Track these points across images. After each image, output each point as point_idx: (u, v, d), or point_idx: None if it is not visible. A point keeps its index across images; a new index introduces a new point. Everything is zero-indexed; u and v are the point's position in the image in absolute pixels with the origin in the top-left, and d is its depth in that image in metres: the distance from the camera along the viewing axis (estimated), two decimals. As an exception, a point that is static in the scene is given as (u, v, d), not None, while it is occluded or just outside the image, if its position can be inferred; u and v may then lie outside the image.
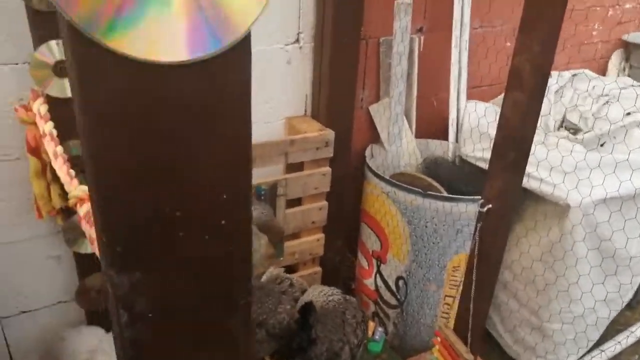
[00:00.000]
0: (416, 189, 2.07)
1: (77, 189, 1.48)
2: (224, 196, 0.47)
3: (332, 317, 2.02)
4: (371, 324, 2.45)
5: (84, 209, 1.48)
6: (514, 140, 1.45)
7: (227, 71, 0.41)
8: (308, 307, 1.92)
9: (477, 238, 1.60)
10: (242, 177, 0.47)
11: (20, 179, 1.86)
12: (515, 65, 1.36)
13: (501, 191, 1.52)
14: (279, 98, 2.26)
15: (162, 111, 0.41)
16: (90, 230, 1.44)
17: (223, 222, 0.48)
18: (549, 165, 1.99)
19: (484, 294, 1.69)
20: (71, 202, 1.50)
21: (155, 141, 0.42)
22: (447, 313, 2.39)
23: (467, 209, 2.03)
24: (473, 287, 1.67)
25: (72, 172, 1.54)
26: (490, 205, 1.55)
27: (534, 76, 1.32)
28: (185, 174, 0.44)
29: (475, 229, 1.61)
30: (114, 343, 0.55)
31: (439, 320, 2.41)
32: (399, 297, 2.39)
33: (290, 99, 2.29)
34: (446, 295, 2.34)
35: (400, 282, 2.36)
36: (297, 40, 2.19)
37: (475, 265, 1.64)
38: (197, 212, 0.46)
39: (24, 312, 2.11)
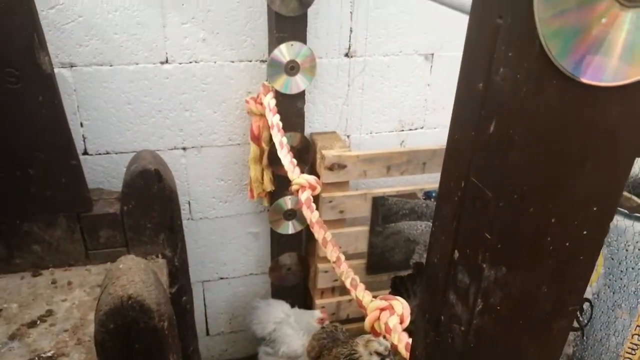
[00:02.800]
0: (623, 210, 1.94)
1: (300, 177, 1.64)
2: (594, 208, 0.50)
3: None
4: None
5: (305, 195, 1.63)
6: None
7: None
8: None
9: None
10: (614, 192, 0.50)
11: (239, 162, 2.09)
12: None
13: None
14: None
15: (574, 130, 0.45)
16: (310, 214, 1.58)
17: (585, 232, 0.52)
18: None
19: None
20: (294, 188, 1.66)
21: (559, 155, 0.46)
22: (636, 345, 2.20)
23: (683, 238, 1.85)
24: (693, 324, 1.52)
25: (294, 161, 1.70)
26: None
27: None
28: (570, 187, 0.48)
29: None
30: (444, 326, 0.61)
31: (624, 351, 2.24)
32: (581, 320, 2.26)
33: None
34: (638, 326, 2.16)
35: (585, 305, 2.23)
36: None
37: (699, 300, 1.49)
38: (568, 220, 0.51)
39: (222, 278, 2.37)
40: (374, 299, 1.31)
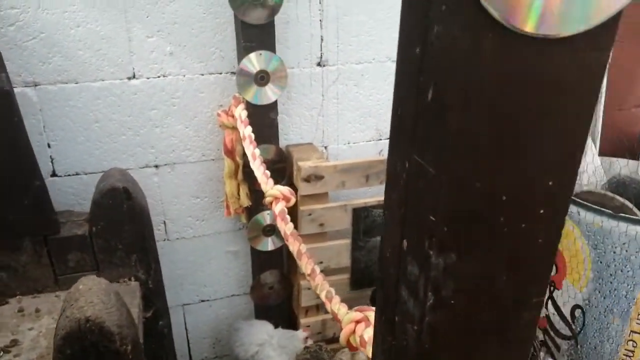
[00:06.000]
0: (607, 211, 1.89)
1: (273, 189, 1.58)
2: (550, 183, 0.45)
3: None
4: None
5: (279, 207, 1.57)
6: None
7: (590, 49, 0.39)
8: None
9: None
10: (571, 163, 0.45)
11: (214, 178, 2.03)
12: None
13: None
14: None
15: (519, 89, 0.40)
16: (285, 226, 1.52)
17: (542, 211, 0.46)
18: None
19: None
20: (267, 200, 1.60)
21: (504, 119, 0.41)
22: (631, 352, 2.13)
23: (671, 236, 1.80)
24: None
25: (268, 172, 1.65)
26: None
27: None
28: (521, 156, 0.43)
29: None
30: (399, 328, 0.55)
31: (619, 358, 2.17)
32: (574, 327, 2.19)
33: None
34: (632, 331, 2.10)
35: (577, 312, 2.17)
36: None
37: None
38: (521, 197, 0.45)
39: (203, 300, 2.29)
40: (350, 311, 1.25)
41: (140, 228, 1.69)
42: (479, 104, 0.40)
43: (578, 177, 2.21)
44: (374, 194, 2.16)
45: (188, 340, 2.35)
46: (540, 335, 2.36)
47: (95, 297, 1.12)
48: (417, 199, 0.47)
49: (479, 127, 0.41)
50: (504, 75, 0.40)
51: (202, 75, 1.87)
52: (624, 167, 2.33)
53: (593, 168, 2.23)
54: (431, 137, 0.43)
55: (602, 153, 2.40)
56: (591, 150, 2.21)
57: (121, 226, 1.66)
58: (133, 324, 1.19)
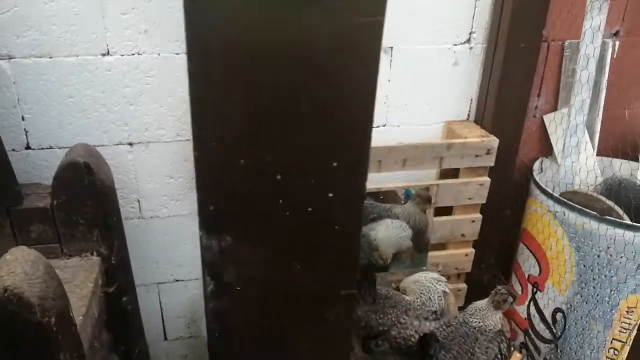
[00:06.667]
0: (591, 212, 1.80)
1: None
2: (334, 164, 0.40)
3: (459, 343, 1.84)
4: (518, 356, 2.20)
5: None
6: None
7: (357, 14, 0.34)
8: (428, 339, 1.78)
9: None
10: (359, 143, 0.40)
11: (189, 159, 2.02)
12: None
13: None
14: (440, 100, 2.14)
15: (280, 49, 0.36)
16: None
17: (330, 195, 0.42)
18: None
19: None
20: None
21: (267, 87, 0.37)
22: (612, 359, 2.04)
23: (654, 242, 1.70)
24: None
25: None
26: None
27: None
28: (290, 131, 0.39)
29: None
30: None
31: (602, 367, 2.08)
32: (554, 331, 2.11)
33: (452, 102, 2.16)
34: (614, 339, 2.01)
35: (558, 315, 2.08)
36: (469, 41, 2.04)
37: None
38: (301, 178, 0.41)
39: (178, 280, 2.29)
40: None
41: (102, 204, 1.68)
42: (225, 70, 0.36)
43: (563, 176, 2.10)
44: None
45: (163, 319, 2.36)
46: (521, 337, 2.29)
47: (19, 267, 1.11)
48: (198, 176, 0.43)
49: (225, 95, 0.36)
50: (251, 38, 0.35)
51: (178, 54, 1.84)
52: (623, 167, 2.21)
53: (589, 166, 2.12)
54: (192, 106, 0.39)
55: (603, 153, 2.29)
56: (587, 148, 2.11)
57: (82, 201, 1.66)
58: (63, 297, 1.18)
